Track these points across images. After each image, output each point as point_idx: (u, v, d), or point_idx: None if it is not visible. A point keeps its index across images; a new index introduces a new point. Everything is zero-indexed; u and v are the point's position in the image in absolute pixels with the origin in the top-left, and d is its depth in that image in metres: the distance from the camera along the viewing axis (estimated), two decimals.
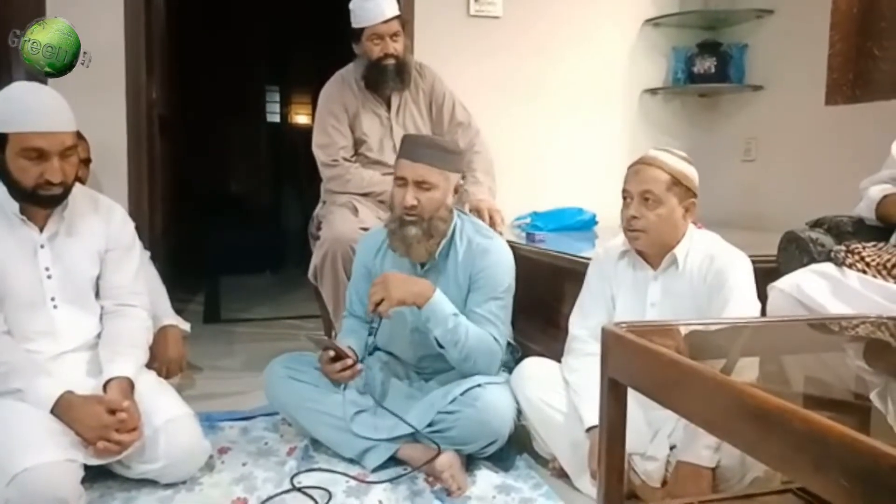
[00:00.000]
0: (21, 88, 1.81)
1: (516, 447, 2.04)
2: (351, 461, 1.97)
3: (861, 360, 1.30)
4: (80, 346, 1.89)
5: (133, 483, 1.81)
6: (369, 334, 1.97)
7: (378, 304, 1.89)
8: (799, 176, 3.29)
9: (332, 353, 2.00)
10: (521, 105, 3.52)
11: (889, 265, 1.77)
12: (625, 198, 1.84)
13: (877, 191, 2.09)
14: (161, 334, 2.25)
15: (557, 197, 3.41)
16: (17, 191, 1.77)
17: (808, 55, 3.19)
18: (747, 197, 3.59)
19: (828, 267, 1.84)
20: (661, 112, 3.78)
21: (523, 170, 3.43)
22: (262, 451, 2.07)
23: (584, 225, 3.29)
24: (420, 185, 1.96)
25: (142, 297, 2.01)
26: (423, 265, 2.06)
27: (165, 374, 2.20)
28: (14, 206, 1.79)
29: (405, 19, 2.83)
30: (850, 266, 1.81)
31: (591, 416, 1.72)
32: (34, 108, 1.73)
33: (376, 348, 2.14)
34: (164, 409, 1.82)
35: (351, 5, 2.68)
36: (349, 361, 1.98)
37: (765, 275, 1.89)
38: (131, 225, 2.04)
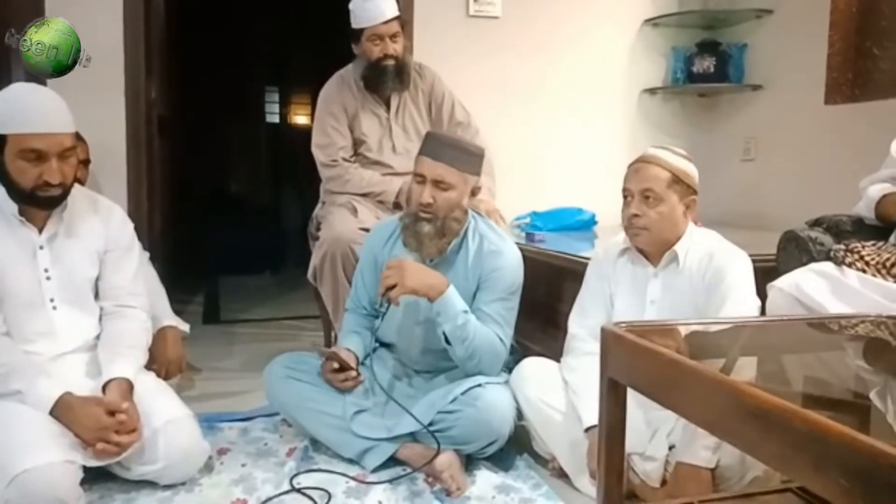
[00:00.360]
0: (20, 89, 1.81)
1: (516, 447, 2.04)
2: (350, 462, 1.97)
3: (860, 360, 1.30)
4: (80, 347, 1.89)
5: (132, 484, 1.81)
6: (377, 317, 1.95)
7: (390, 289, 1.88)
8: (798, 175, 3.29)
9: (336, 364, 2.01)
10: (520, 105, 3.52)
11: (888, 264, 1.76)
12: (625, 196, 1.84)
13: (876, 190, 2.09)
14: (160, 335, 2.25)
15: (557, 197, 3.41)
16: (15, 192, 1.77)
17: (808, 55, 3.19)
18: (747, 196, 3.58)
19: (827, 266, 1.84)
20: (660, 112, 3.78)
21: (523, 170, 3.43)
22: (262, 451, 2.07)
23: (583, 225, 3.29)
24: (438, 184, 1.96)
25: (141, 298, 2.01)
26: (431, 259, 2.06)
27: (165, 375, 2.19)
28: (13, 207, 1.79)
29: (405, 20, 2.84)
30: (849, 265, 1.81)
31: (591, 415, 1.72)
32: (33, 110, 1.73)
33: (381, 344, 2.14)
34: (163, 410, 1.82)
35: (351, 6, 2.69)
36: (353, 373, 2.00)
37: (764, 274, 1.89)
38: (130, 225, 2.04)
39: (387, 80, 2.70)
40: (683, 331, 1.28)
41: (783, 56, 3.40)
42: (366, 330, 2.16)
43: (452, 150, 1.98)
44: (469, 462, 1.96)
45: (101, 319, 1.94)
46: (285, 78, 7.47)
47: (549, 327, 2.52)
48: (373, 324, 2.14)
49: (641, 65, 3.72)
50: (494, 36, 3.46)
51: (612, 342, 1.08)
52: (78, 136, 1.94)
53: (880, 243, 1.89)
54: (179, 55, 4.82)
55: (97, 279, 1.94)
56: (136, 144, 3.11)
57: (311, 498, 1.78)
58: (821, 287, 1.78)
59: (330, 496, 1.79)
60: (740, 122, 3.68)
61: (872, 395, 1.13)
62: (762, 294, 1.82)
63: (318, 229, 2.72)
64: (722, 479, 1.63)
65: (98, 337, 1.92)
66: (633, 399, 1.11)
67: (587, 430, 1.75)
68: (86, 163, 2.66)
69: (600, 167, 3.47)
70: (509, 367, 2.07)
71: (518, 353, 2.19)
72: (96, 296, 1.95)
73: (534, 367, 2.00)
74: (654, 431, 1.77)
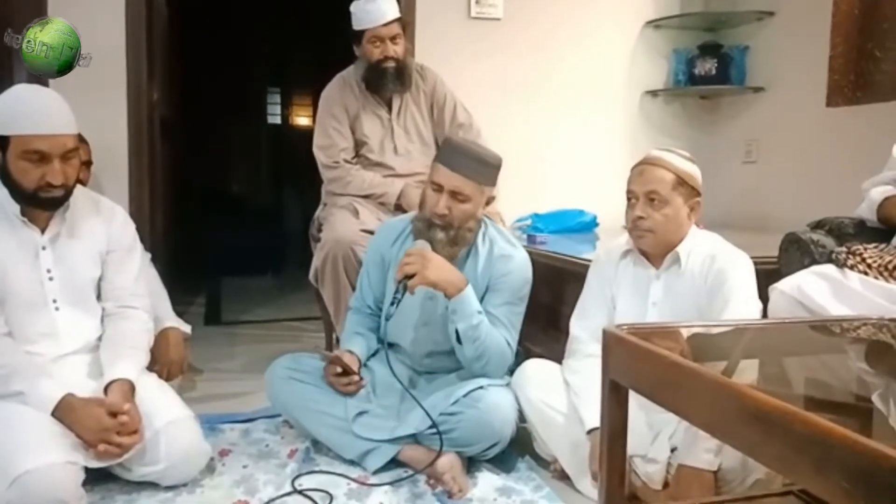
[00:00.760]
0: (23, 90, 1.82)
1: (517, 449, 2.04)
2: (352, 463, 1.97)
3: (862, 362, 1.30)
4: (82, 348, 1.89)
5: (134, 485, 1.81)
6: (391, 304, 1.89)
7: (408, 277, 1.85)
8: (800, 177, 3.29)
9: (339, 368, 2.01)
10: (521, 107, 3.52)
11: (890, 266, 1.76)
12: (629, 198, 1.84)
13: (878, 192, 2.09)
14: (162, 336, 2.25)
15: (558, 199, 3.41)
16: (18, 193, 1.77)
17: (809, 57, 3.19)
18: (748, 198, 3.58)
19: (829, 268, 1.84)
20: (661, 114, 3.78)
21: (524, 172, 3.42)
22: (263, 453, 2.07)
23: (584, 226, 3.29)
24: (455, 195, 1.94)
25: (143, 299, 2.01)
26: None
27: (166, 376, 2.20)
28: (15, 207, 1.79)
29: (406, 21, 2.84)
30: (851, 267, 1.81)
31: (592, 417, 1.71)
32: (35, 111, 1.73)
33: (387, 343, 2.14)
34: (164, 411, 1.82)
35: (352, 7, 2.69)
36: (356, 378, 2.00)
37: (766, 276, 1.89)
38: (132, 226, 2.04)
39: (387, 81, 2.70)
40: (685, 333, 1.28)
41: (785, 58, 3.40)
42: (369, 331, 2.16)
43: (470, 160, 1.95)
44: (470, 464, 1.96)
45: (102, 320, 1.94)
46: (287, 79, 7.49)
47: (550, 329, 2.52)
48: (377, 324, 2.13)
49: (643, 67, 3.72)
50: (496, 38, 3.46)
51: (613, 344, 1.08)
52: (80, 138, 1.94)
53: (882, 245, 1.89)
54: (181, 56, 4.82)
55: (99, 280, 1.94)
56: (137, 145, 3.12)
57: (312, 499, 1.78)
58: (822, 289, 1.78)
59: (331, 498, 1.79)
60: (742, 124, 3.68)
61: (874, 398, 1.13)
62: (764, 296, 1.82)
63: (320, 231, 2.72)
64: (724, 482, 1.63)
65: (100, 338, 1.92)
66: (635, 401, 1.11)
67: (589, 432, 1.75)
68: (88, 164, 2.67)
69: (602, 169, 3.47)
70: (511, 369, 2.07)
71: (520, 355, 2.19)
72: (98, 297, 1.95)
73: (535, 369, 2.00)
74: (655, 434, 1.77)
